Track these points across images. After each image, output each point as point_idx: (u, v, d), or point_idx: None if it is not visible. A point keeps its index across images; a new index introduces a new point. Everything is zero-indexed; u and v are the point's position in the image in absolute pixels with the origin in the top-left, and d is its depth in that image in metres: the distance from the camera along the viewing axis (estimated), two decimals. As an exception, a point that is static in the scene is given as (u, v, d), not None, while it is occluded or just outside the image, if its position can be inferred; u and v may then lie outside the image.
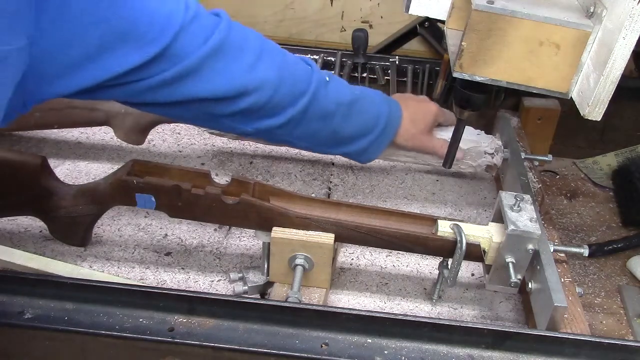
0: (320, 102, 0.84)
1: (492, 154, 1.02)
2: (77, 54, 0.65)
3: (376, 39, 1.34)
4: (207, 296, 0.72)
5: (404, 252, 0.93)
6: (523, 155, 1.03)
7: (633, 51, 0.68)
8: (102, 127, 1.10)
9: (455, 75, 0.77)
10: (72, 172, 1.08)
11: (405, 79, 1.24)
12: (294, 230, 0.82)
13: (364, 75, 1.25)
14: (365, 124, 0.90)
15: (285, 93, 0.81)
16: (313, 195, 1.03)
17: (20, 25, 0.59)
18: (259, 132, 0.83)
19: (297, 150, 1.17)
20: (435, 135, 0.99)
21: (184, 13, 0.71)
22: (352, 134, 0.89)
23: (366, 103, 0.89)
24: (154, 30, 0.68)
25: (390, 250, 0.96)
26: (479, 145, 1.02)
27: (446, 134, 1.00)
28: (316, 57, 1.25)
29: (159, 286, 0.88)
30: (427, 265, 0.96)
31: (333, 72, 1.23)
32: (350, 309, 0.73)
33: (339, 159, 1.16)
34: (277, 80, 0.79)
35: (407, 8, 0.92)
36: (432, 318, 0.76)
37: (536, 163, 1.07)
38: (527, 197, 0.82)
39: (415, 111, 0.96)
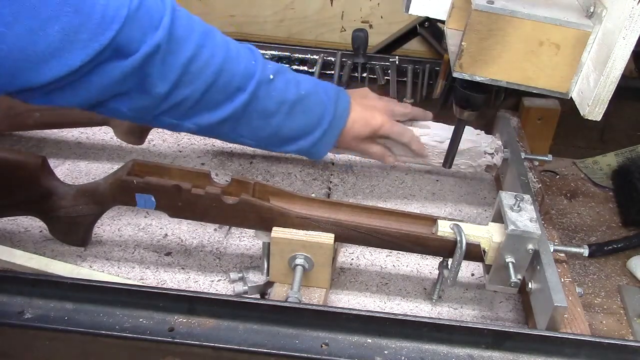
0: (262, 100, 0.83)
1: (492, 154, 1.02)
2: (41, 50, 0.65)
3: (376, 39, 1.34)
4: (207, 296, 0.72)
5: (404, 252, 0.93)
6: (523, 155, 1.03)
7: (633, 51, 0.68)
8: (102, 127, 1.10)
9: (455, 75, 0.77)
10: (72, 172, 1.08)
11: (405, 79, 1.24)
12: (294, 230, 0.82)
13: (364, 75, 1.25)
14: (308, 125, 0.89)
15: (222, 88, 0.80)
16: (313, 195, 1.03)
17: None
18: (201, 128, 0.83)
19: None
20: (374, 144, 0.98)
21: (129, 2, 0.70)
22: (294, 133, 0.89)
23: (311, 102, 0.88)
24: (105, 22, 0.68)
25: (390, 250, 0.96)
26: (479, 145, 1.02)
27: (440, 133, 1.00)
28: (316, 57, 1.25)
29: (159, 286, 0.88)
30: (427, 265, 0.96)
31: (332, 71, 1.24)
32: (350, 309, 0.73)
33: (339, 159, 1.16)
34: (215, 74, 0.78)
35: (407, 8, 0.92)
36: (432, 318, 0.76)
37: (536, 163, 1.07)
38: (527, 197, 0.82)
39: (358, 118, 0.94)
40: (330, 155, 1.15)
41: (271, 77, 0.84)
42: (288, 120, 0.87)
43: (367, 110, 0.96)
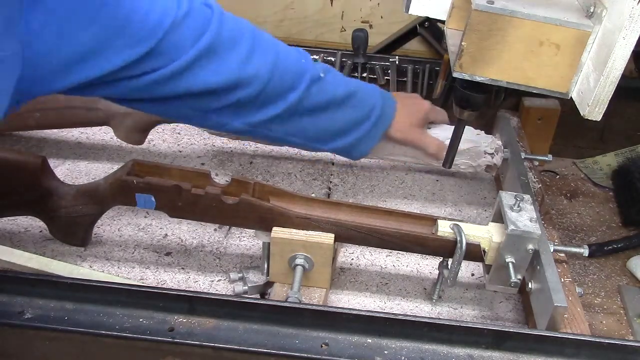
0: (313, 97, 0.84)
1: (492, 154, 1.02)
2: (68, 55, 0.66)
3: (376, 39, 1.34)
4: (207, 296, 0.72)
5: (404, 252, 0.93)
6: (523, 155, 1.03)
7: (633, 51, 0.68)
8: (102, 127, 1.10)
9: (455, 75, 0.77)
10: (72, 172, 1.08)
11: (405, 79, 1.24)
12: (294, 230, 0.82)
13: (364, 75, 1.25)
14: (358, 117, 0.90)
15: (276, 87, 0.81)
16: (313, 195, 1.03)
17: (13, 30, 0.59)
18: (249, 127, 0.84)
19: (297, 150, 1.17)
20: (428, 133, 1.00)
21: (176, 10, 0.71)
22: (344, 127, 0.90)
23: (360, 97, 0.90)
24: (145, 29, 0.69)
25: (390, 250, 0.96)
26: (479, 145, 1.02)
27: (440, 133, 1.00)
28: (316, 57, 1.25)
29: (159, 286, 0.88)
30: (427, 265, 0.96)
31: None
32: (350, 309, 0.73)
33: (339, 158, 1.16)
34: (268, 74, 0.80)
35: (407, 8, 0.92)
36: (432, 318, 0.76)
37: (536, 163, 1.07)
38: (527, 197, 0.82)
39: (409, 105, 0.96)
40: (330, 155, 1.16)
41: (321, 74, 0.85)
42: (338, 116, 0.88)
43: (412, 98, 0.99)
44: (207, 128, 0.87)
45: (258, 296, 0.88)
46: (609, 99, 0.71)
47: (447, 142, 0.93)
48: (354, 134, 0.91)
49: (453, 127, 0.90)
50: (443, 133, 1.00)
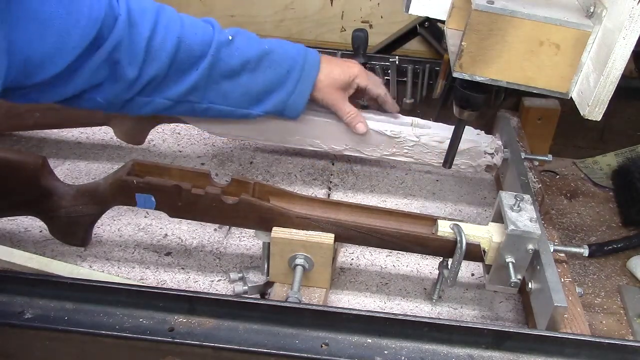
0: (225, 61, 0.86)
1: (492, 154, 1.02)
2: (45, 50, 0.70)
3: (376, 39, 1.34)
4: (207, 296, 0.72)
5: (404, 252, 0.93)
6: (523, 155, 1.03)
7: (633, 51, 0.68)
8: (102, 127, 1.10)
9: (455, 75, 0.77)
10: (72, 172, 1.08)
11: (405, 79, 1.24)
12: (294, 230, 0.82)
13: (364, 75, 1.25)
14: (277, 76, 0.90)
15: (185, 57, 0.83)
16: (313, 195, 1.03)
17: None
18: (172, 100, 0.86)
19: (297, 150, 1.17)
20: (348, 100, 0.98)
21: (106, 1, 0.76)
22: (265, 88, 0.90)
23: (278, 55, 0.90)
24: (91, 17, 0.73)
25: (390, 250, 0.96)
26: (479, 145, 1.02)
27: (440, 132, 1.00)
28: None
29: (159, 286, 0.88)
30: (427, 265, 0.96)
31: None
32: (350, 309, 0.73)
33: (339, 158, 1.16)
34: (175, 46, 0.82)
35: (407, 8, 0.92)
36: (432, 318, 0.76)
37: (536, 163, 1.07)
38: (527, 197, 0.82)
39: (336, 65, 0.95)
40: (330, 155, 1.16)
41: (230, 37, 0.86)
42: (256, 76, 0.89)
43: (342, 61, 0.98)
44: (132, 111, 0.87)
45: (258, 296, 0.88)
46: (609, 99, 0.71)
47: (447, 142, 0.93)
48: (278, 94, 0.91)
49: (453, 127, 0.90)
50: (443, 133, 1.00)
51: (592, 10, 0.72)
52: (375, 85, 0.99)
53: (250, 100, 0.91)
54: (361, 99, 1.03)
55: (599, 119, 0.73)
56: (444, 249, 0.82)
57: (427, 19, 1.28)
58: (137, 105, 0.86)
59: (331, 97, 0.95)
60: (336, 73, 0.94)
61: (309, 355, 0.68)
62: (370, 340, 0.70)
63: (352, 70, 0.96)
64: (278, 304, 0.72)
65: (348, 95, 0.97)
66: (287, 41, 0.93)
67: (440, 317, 0.88)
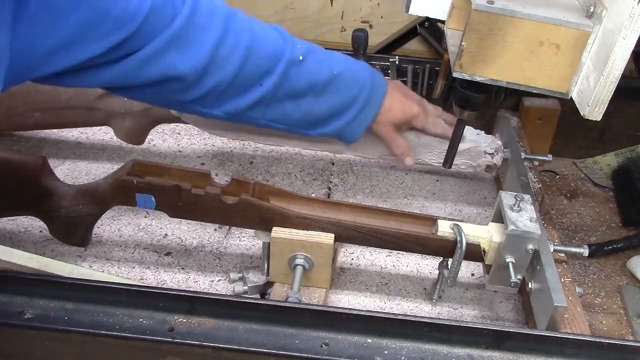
0: (292, 81, 0.82)
1: (492, 154, 1.02)
2: (54, 43, 0.67)
3: (376, 39, 1.34)
4: (207, 296, 0.72)
5: (404, 252, 0.93)
6: (523, 155, 1.03)
7: (633, 51, 0.68)
8: (102, 127, 1.10)
9: (455, 75, 0.77)
10: (72, 172, 1.08)
11: (405, 79, 1.23)
12: (294, 230, 0.82)
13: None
14: (343, 103, 0.87)
15: (251, 71, 0.79)
16: (313, 195, 1.03)
17: (2, 21, 0.61)
18: (230, 115, 0.82)
19: (297, 150, 1.17)
20: (410, 136, 0.97)
21: None
22: (327, 113, 0.87)
23: (346, 81, 0.86)
24: (126, 15, 0.69)
25: (390, 250, 0.96)
26: (479, 145, 1.02)
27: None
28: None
29: (159, 286, 0.88)
30: (427, 265, 0.96)
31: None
32: (350, 309, 0.73)
33: (339, 158, 1.16)
34: (242, 58, 0.78)
35: (407, 8, 0.92)
36: (432, 318, 0.76)
37: (536, 163, 1.07)
38: (527, 197, 0.82)
39: (397, 102, 0.92)
40: (330, 155, 1.16)
41: (301, 58, 0.82)
42: (320, 101, 0.85)
43: (405, 97, 0.95)
44: (192, 114, 0.86)
45: (258, 296, 0.88)
46: (609, 99, 0.71)
47: (447, 141, 0.93)
48: (339, 120, 0.88)
49: (453, 127, 0.90)
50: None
51: (592, 10, 0.72)
52: (433, 126, 0.97)
53: (310, 122, 0.87)
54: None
55: (599, 119, 0.73)
56: (444, 249, 0.82)
57: (427, 19, 1.28)
58: (196, 112, 0.83)
59: (386, 131, 0.93)
60: (396, 111, 0.92)
61: (309, 355, 0.68)
62: (370, 340, 0.70)
63: (412, 111, 0.94)
64: (278, 304, 0.72)
65: (402, 131, 0.96)
66: (356, 61, 0.90)
67: (440, 317, 0.88)
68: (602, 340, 0.70)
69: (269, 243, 0.83)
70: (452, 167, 0.95)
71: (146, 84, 0.76)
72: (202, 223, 0.98)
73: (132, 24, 0.70)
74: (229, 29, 0.77)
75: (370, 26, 1.37)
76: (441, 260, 0.86)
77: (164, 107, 0.82)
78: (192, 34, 0.74)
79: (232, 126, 1.01)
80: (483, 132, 1.05)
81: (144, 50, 0.72)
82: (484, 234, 0.81)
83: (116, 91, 0.79)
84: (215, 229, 0.99)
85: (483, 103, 0.83)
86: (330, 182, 1.12)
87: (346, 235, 0.83)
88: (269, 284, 0.88)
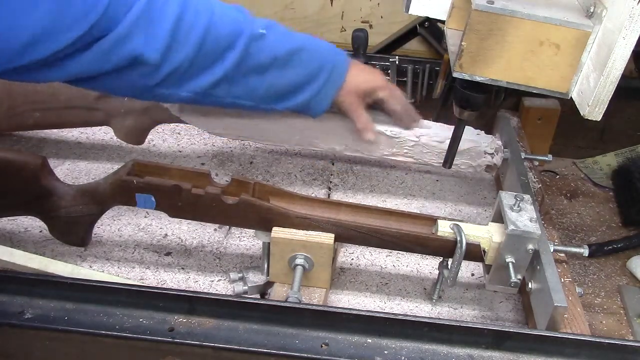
0: (254, 56, 0.82)
1: (492, 154, 1.02)
2: (23, 34, 0.66)
3: (376, 39, 1.34)
4: (207, 296, 0.72)
5: (404, 252, 0.93)
6: (523, 155, 1.03)
7: (633, 51, 0.68)
8: (102, 127, 1.10)
9: (455, 75, 0.77)
10: (72, 172, 1.08)
11: (405, 79, 1.23)
12: (294, 230, 0.82)
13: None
14: (306, 75, 0.88)
15: (212, 48, 0.79)
16: (313, 195, 1.03)
17: None
18: (197, 95, 0.83)
19: (297, 150, 1.17)
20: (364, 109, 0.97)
21: None
22: (292, 86, 0.88)
23: (308, 54, 0.87)
24: (87, 5, 0.69)
25: (390, 250, 0.96)
26: (479, 145, 1.02)
27: (440, 132, 1.00)
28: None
29: (159, 286, 0.88)
30: (427, 265, 0.96)
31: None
32: (350, 309, 0.73)
33: (339, 158, 1.16)
34: (202, 36, 0.78)
35: (407, 8, 0.92)
36: (432, 318, 0.76)
37: (536, 163, 1.07)
38: (527, 197, 0.82)
39: (361, 73, 0.93)
40: (330, 155, 1.16)
41: (262, 31, 0.83)
42: (284, 74, 0.86)
43: (369, 69, 0.96)
44: (156, 100, 0.85)
45: (258, 296, 0.88)
46: (609, 99, 0.71)
47: (447, 142, 0.93)
48: (304, 93, 0.88)
49: (453, 127, 0.90)
50: (443, 133, 1.00)
51: (592, 10, 0.72)
52: (395, 99, 0.97)
53: (276, 96, 0.88)
54: (378, 109, 1.00)
55: (599, 119, 0.73)
56: (444, 249, 0.82)
57: (427, 19, 1.28)
58: (160, 97, 0.83)
59: (350, 102, 0.93)
60: (360, 80, 0.93)
61: (309, 355, 0.68)
62: (370, 340, 0.70)
63: (376, 80, 0.95)
64: (278, 304, 0.72)
65: (366, 103, 0.96)
66: (318, 39, 0.91)
67: (440, 317, 0.88)
68: (602, 340, 0.70)
69: (269, 243, 0.83)
70: (452, 167, 0.95)
71: (112, 71, 0.75)
72: (202, 223, 0.98)
73: (98, 9, 0.69)
74: (187, 8, 0.77)
75: (370, 26, 1.37)
76: (441, 260, 0.86)
77: (129, 96, 0.82)
78: (152, 15, 0.74)
79: (232, 126, 1.01)
80: (483, 132, 1.05)
81: (109, 36, 0.72)
82: (484, 234, 0.81)
83: (81, 83, 0.78)
84: (215, 229, 0.99)
85: (483, 103, 0.83)
86: (330, 182, 1.12)
87: (346, 235, 0.83)
88: (269, 284, 0.88)
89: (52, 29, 0.67)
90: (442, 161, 0.96)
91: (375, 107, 1.02)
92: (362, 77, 0.93)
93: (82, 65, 0.73)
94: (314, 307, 0.73)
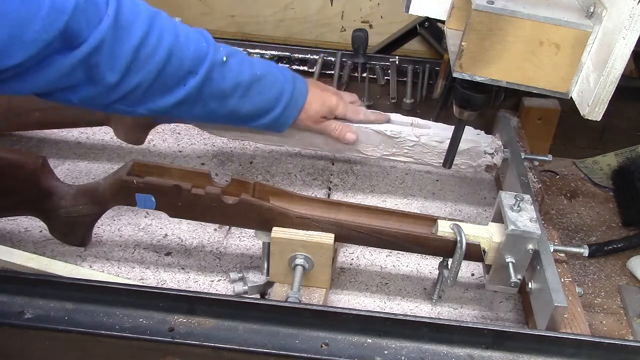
0: (215, 82, 0.83)
1: (492, 154, 1.02)
2: None
3: (376, 39, 1.34)
4: (207, 296, 0.72)
5: (404, 252, 0.93)
6: (523, 155, 1.03)
7: (633, 51, 0.68)
8: (102, 127, 1.10)
9: (455, 75, 0.77)
10: (72, 172, 1.08)
11: (405, 79, 1.24)
12: (294, 230, 0.82)
13: (364, 75, 1.25)
14: (266, 103, 0.89)
15: (174, 72, 0.79)
16: (313, 195, 1.03)
17: None
18: (154, 112, 0.82)
19: (297, 150, 1.17)
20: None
21: None
22: (253, 113, 0.89)
23: (268, 82, 0.89)
24: (54, 11, 0.67)
25: (390, 250, 0.96)
26: (479, 145, 1.02)
27: (440, 132, 1.00)
28: (316, 57, 1.25)
29: (159, 286, 0.88)
30: (427, 265, 0.96)
31: (332, 71, 1.23)
32: (350, 309, 0.73)
33: (339, 158, 1.16)
34: (165, 59, 0.78)
35: (407, 8, 0.92)
36: (432, 318, 0.76)
37: (536, 163, 1.07)
38: (527, 197, 0.82)
39: (313, 99, 0.95)
40: (330, 155, 1.16)
41: (224, 59, 0.84)
42: (245, 101, 0.87)
43: (323, 91, 0.98)
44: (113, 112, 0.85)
45: (258, 296, 0.88)
46: (609, 98, 0.71)
47: (447, 142, 0.93)
48: (264, 118, 0.90)
49: (453, 127, 0.90)
50: (443, 133, 1.00)
51: (592, 10, 0.72)
52: (354, 114, 1.00)
53: (236, 120, 0.90)
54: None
55: (599, 119, 0.73)
56: (444, 249, 0.82)
57: (427, 19, 1.28)
58: (120, 111, 0.81)
59: (313, 124, 0.96)
60: (317, 104, 0.95)
61: (309, 355, 0.68)
62: (370, 340, 0.70)
63: (331, 102, 0.97)
64: (278, 304, 0.72)
65: (330, 118, 0.98)
66: (275, 65, 0.93)
67: (440, 317, 0.88)
68: (602, 340, 0.70)
69: (269, 243, 0.83)
70: (452, 167, 0.95)
71: (68, 87, 0.75)
72: (202, 223, 0.98)
73: (60, 19, 0.68)
74: (151, 29, 0.77)
75: (370, 26, 1.37)
76: (441, 260, 0.86)
77: (84, 107, 0.81)
78: (117, 34, 0.74)
79: (232, 126, 1.01)
80: (483, 132, 1.05)
81: (73, 53, 0.71)
82: (484, 234, 0.81)
83: (40, 96, 0.77)
84: (215, 229, 0.99)
85: (483, 103, 0.83)
86: (330, 182, 1.12)
87: (346, 235, 0.83)
88: (269, 284, 0.88)
89: (13, 39, 0.66)
90: (442, 161, 0.96)
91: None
92: (319, 100, 0.95)
93: (45, 81, 0.72)
94: (314, 307, 0.73)
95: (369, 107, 1.08)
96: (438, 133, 1.01)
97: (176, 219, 0.92)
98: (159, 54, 0.77)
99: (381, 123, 1.01)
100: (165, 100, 0.81)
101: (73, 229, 0.89)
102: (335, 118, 0.99)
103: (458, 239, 0.80)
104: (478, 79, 0.77)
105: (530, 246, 0.78)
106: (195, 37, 0.82)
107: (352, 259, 0.97)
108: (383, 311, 0.85)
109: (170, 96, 0.81)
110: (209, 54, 0.82)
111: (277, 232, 0.82)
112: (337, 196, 1.08)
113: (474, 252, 0.81)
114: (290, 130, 0.96)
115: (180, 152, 1.16)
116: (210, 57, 0.82)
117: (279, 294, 0.84)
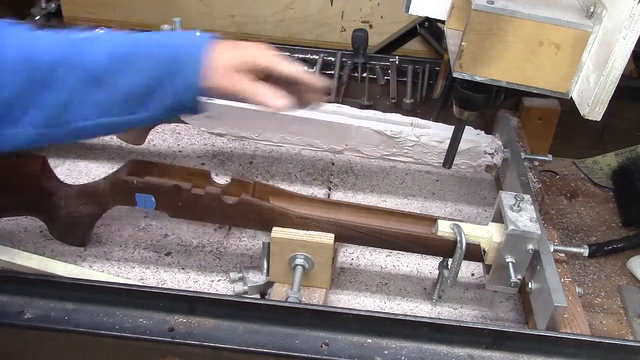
0: (86, 67, 0.72)
1: (492, 154, 1.02)
2: None
3: (376, 39, 1.33)
4: (207, 296, 0.72)
5: (404, 252, 0.93)
6: (523, 155, 1.03)
7: (633, 51, 0.68)
8: (102, 127, 1.10)
9: (455, 75, 0.77)
10: (72, 172, 1.08)
11: (405, 79, 1.24)
12: (294, 230, 0.82)
13: (364, 75, 1.25)
14: (150, 79, 0.74)
15: (40, 74, 0.71)
16: (313, 195, 1.03)
17: None
18: (46, 129, 0.73)
19: (297, 150, 1.17)
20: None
21: None
22: (139, 92, 0.74)
23: (148, 50, 0.75)
24: None
25: (390, 250, 0.96)
26: (479, 145, 1.02)
27: (440, 133, 1.00)
28: (316, 57, 1.25)
29: (159, 286, 0.88)
30: (427, 265, 0.96)
31: (332, 71, 1.23)
32: (350, 309, 0.73)
33: (339, 158, 1.16)
34: (23, 64, 0.70)
35: (407, 8, 0.92)
36: (432, 318, 0.76)
37: (536, 163, 1.07)
38: (527, 197, 0.82)
39: (226, 51, 0.77)
40: (330, 155, 1.16)
41: (90, 37, 0.74)
42: (128, 78, 0.73)
43: (240, 45, 0.79)
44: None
45: (258, 296, 0.88)
46: (609, 99, 0.71)
47: (447, 142, 0.93)
48: (160, 96, 0.74)
49: (453, 127, 0.90)
50: (443, 133, 1.00)
51: (592, 10, 0.72)
52: (282, 65, 0.78)
53: (132, 104, 0.75)
54: (282, 85, 0.80)
55: (599, 119, 0.73)
56: (444, 249, 0.82)
57: (427, 19, 1.28)
58: (4, 138, 0.72)
59: (226, 84, 0.76)
60: (230, 56, 0.77)
61: (309, 355, 0.68)
62: (370, 340, 0.70)
63: (248, 51, 0.78)
64: (278, 304, 0.72)
65: (254, 78, 0.77)
66: (160, 33, 0.83)
67: (440, 317, 0.88)
68: (602, 340, 0.70)
69: (269, 243, 0.83)
70: (452, 167, 0.95)
71: None
72: (202, 223, 0.98)
73: None
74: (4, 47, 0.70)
75: (370, 26, 1.37)
76: (441, 260, 0.86)
77: None
78: None
79: (232, 126, 1.01)
80: (483, 132, 1.05)
81: None
82: (484, 234, 0.81)
83: None
84: (215, 229, 0.99)
85: (483, 103, 0.83)
86: (330, 182, 1.12)
87: (346, 235, 0.83)
88: (269, 284, 0.88)
89: None
90: (442, 161, 0.96)
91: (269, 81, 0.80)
92: (232, 53, 0.78)
93: None
94: (314, 307, 0.73)
95: (369, 107, 1.08)
96: (438, 133, 1.01)
97: (176, 219, 0.92)
98: (13, 61, 0.70)
99: (319, 87, 0.81)
100: (45, 106, 0.71)
101: (73, 229, 0.89)
102: (264, 74, 0.78)
103: (458, 239, 0.80)
104: (478, 79, 0.77)
105: (530, 246, 0.78)
106: (51, 35, 0.74)
107: (352, 259, 0.97)
108: (383, 311, 0.85)
109: (48, 100, 0.72)
110: (69, 44, 0.73)
111: (277, 232, 0.82)
112: (337, 196, 1.08)
113: (474, 252, 0.81)
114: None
115: (180, 152, 1.16)
116: (70, 46, 0.73)
117: (279, 294, 0.84)
